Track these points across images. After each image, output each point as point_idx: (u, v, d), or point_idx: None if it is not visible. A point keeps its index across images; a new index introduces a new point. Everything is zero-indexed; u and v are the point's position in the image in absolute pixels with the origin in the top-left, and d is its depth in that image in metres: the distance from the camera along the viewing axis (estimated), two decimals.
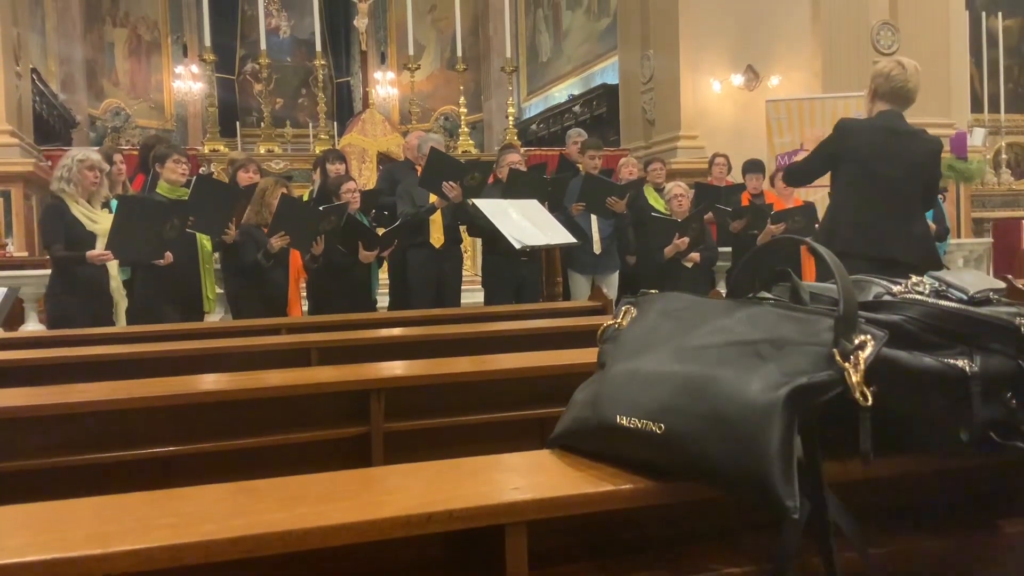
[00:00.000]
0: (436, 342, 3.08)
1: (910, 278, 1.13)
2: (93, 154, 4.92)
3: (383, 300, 6.58)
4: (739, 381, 1.01)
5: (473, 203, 5.06)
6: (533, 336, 3.17)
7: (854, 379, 0.96)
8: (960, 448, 1.05)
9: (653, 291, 1.26)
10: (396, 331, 3.36)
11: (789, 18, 10.11)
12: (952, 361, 1.03)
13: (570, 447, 1.18)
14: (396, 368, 2.25)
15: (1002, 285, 1.11)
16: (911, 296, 1.09)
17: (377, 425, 2.03)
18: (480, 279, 6.39)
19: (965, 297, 1.08)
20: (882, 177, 3.54)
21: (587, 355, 2.11)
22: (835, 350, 0.98)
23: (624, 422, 1.08)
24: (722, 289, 7.28)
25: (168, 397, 1.91)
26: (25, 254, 8.61)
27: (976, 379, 1.03)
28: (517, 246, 4.52)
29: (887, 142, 3.56)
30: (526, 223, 4.63)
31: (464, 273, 6.68)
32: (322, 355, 2.93)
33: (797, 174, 4.00)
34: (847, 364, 0.97)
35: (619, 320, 1.25)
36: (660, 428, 1.04)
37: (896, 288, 1.12)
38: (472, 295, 6.70)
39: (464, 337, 3.13)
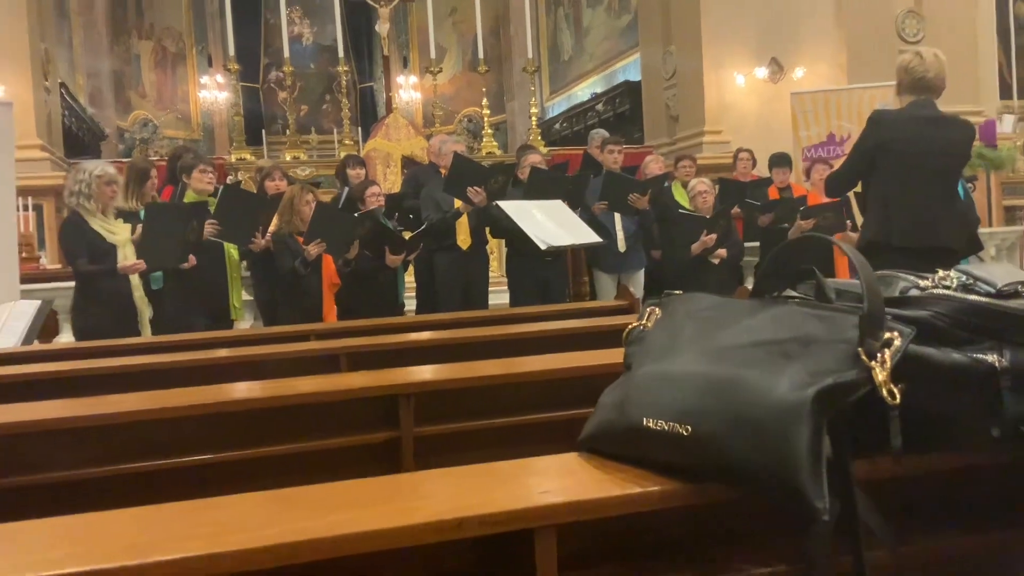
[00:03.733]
0: (464, 345, 3.09)
1: (937, 272, 1.12)
2: (109, 168, 4.98)
3: (410, 303, 6.61)
4: (766, 382, 1.01)
5: (497, 205, 5.07)
6: (560, 337, 3.17)
7: (880, 377, 0.96)
8: (991, 444, 1.04)
9: (678, 292, 1.26)
10: (424, 335, 3.38)
11: (813, 9, 10.03)
12: (981, 356, 1.03)
13: (598, 450, 1.18)
14: (425, 372, 2.27)
15: None
16: (938, 291, 1.09)
17: (407, 429, 2.05)
18: (506, 280, 6.40)
19: (993, 291, 1.07)
20: (923, 165, 3.55)
21: (615, 355, 2.11)
22: (860, 349, 0.98)
23: (651, 424, 1.08)
24: (750, 284, 7.25)
25: (201, 406, 1.93)
26: (58, 266, 8.73)
27: (1006, 374, 1.02)
28: (542, 247, 4.53)
29: (921, 130, 3.57)
30: (550, 223, 4.63)
31: (491, 274, 6.70)
32: (351, 361, 2.95)
33: (839, 182, 3.96)
34: (873, 363, 0.96)
35: (644, 322, 1.25)
36: (687, 430, 1.04)
37: (923, 283, 1.12)
38: (498, 296, 6.71)
39: (492, 339, 3.14)
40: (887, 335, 0.98)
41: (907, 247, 3.42)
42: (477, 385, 2.19)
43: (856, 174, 3.79)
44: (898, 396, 0.96)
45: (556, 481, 1.11)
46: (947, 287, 1.09)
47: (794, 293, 1.19)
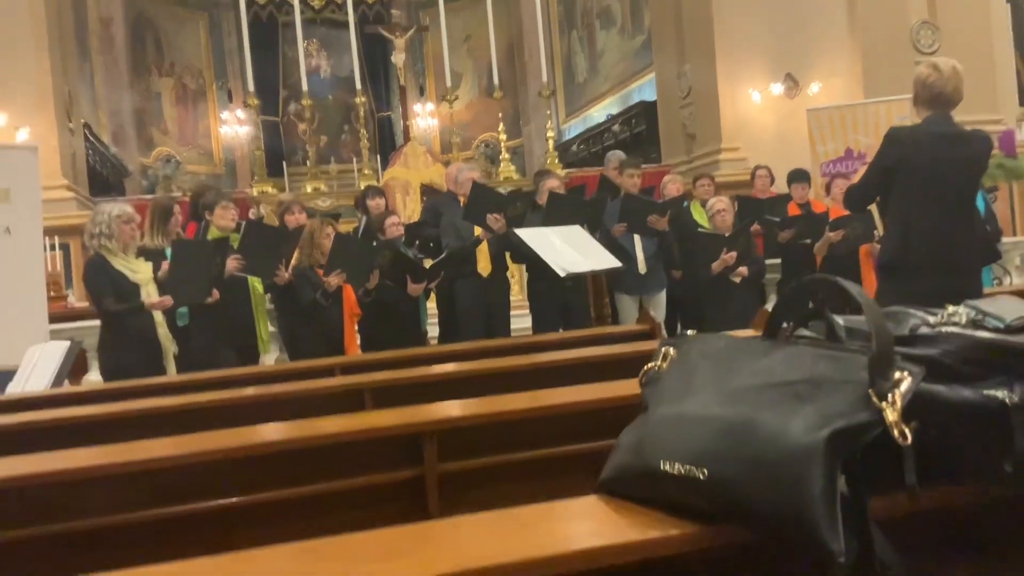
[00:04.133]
0: (487, 376, 3.12)
1: (946, 308, 1.13)
2: (127, 207, 5.08)
3: (433, 330, 6.65)
4: (780, 424, 1.02)
5: (516, 233, 5.11)
6: (583, 366, 3.19)
7: (892, 418, 0.97)
8: (1005, 479, 1.05)
9: (691, 332, 1.28)
10: (448, 367, 3.41)
11: (826, 23, 10.03)
12: (992, 392, 1.04)
13: (617, 492, 1.20)
14: (448, 409, 2.29)
15: None
16: (948, 328, 1.10)
17: (431, 467, 2.07)
18: (528, 304, 6.44)
19: (1002, 325, 1.09)
20: (940, 184, 3.53)
21: (637, 385, 2.14)
22: (871, 390, 0.99)
23: (668, 468, 1.10)
24: (773, 302, 7.23)
25: (229, 450, 1.97)
26: (86, 304, 8.86)
27: (1017, 410, 1.03)
28: (561, 274, 4.57)
29: (939, 148, 3.55)
30: (569, 249, 4.67)
31: (512, 298, 6.74)
32: (375, 396, 2.99)
33: (858, 197, 3.96)
34: (884, 404, 0.98)
35: (659, 362, 1.27)
36: (703, 473, 1.06)
37: (933, 319, 1.13)
38: (521, 320, 6.74)
39: (515, 370, 3.16)
40: (897, 375, 0.99)
41: (926, 266, 3.41)
42: (501, 420, 2.21)
43: (874, 189, 3.78)
44: (909, 436, 0.97)
45: (577, 526, 1.13)
46: (956, 323, 1.11)
47: (806, 332, 1.21)
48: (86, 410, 2.88)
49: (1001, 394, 1.04)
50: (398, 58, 10.60)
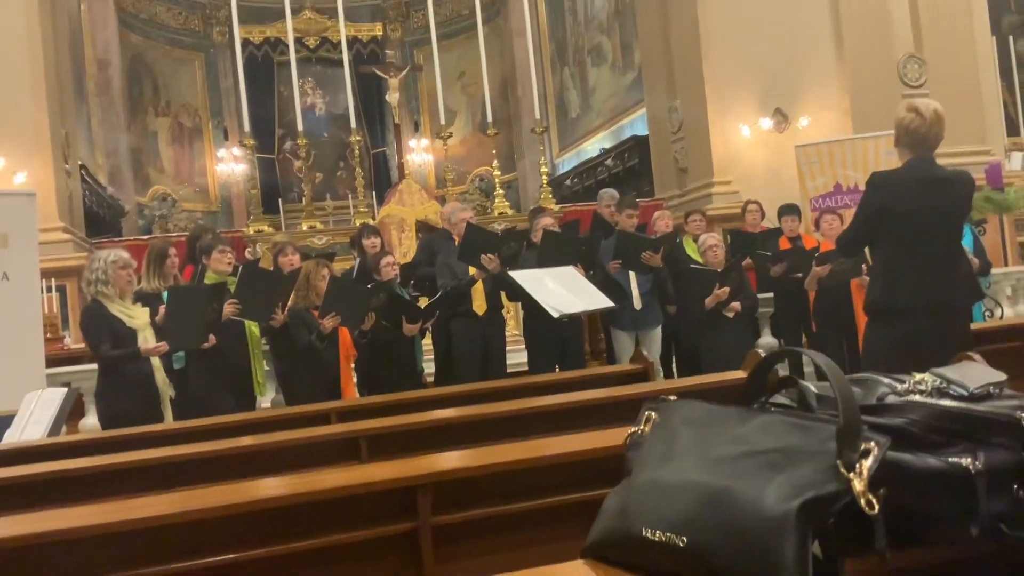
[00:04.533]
0: (482, 423, 3.16)
1: (913, 376, 1.18)
2: (123, 253, 5.12)
3: (429, 366, 6.67)
4: (755, 493, 1.06)
5: (510, 275, 5.16)
6: (578, 410, 3.23)
7: (859, 488, 1.01)
8: (972, 541, 1.09)
9: (672, 397, 1.33)
10: (443, 413, 3.45)
11: (814, 58, 10.17)
12: (956, 459, 1.08)
13: (603, 557, 1.23)
14: (442, 461, 2.33)
15: (1003, 377, 1.16)
16: (914, 396, 1.15)
17: (425, 520, 2.10)
18: (524, 340, 6.48)
19: (965, 393, 1.13)
20: (925, 228, 3.55)
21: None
22: (839, 461, 1.03)
23: (649, 535, 1.13)
24: (767, 336, 7.27)
25: (224, 508, 2.00)
26: (82, 346, 8.89)
27: (981, 476, 1.07)
28: (555, 315, 4.62)
29: (922, 193, 3.57)
30: (562, 290, 4.72)
31: (509, 334, 6.77)
32: (371, 444, 3.02)
33: (850, 244, 4.00)
34: (852, 474, 1.02)
35: (642, 427, 1.31)
36: (683, 541, 1.10)
37: (900, 387, 1.18)
38: (517, 355, 6.77)
39: (510, 415, 3.20)
40: (864, 446, 1.04)
41: (913, 309, 3.45)
42: (495, 471, 2.24)
43: (863, 236, 3.81)
44: (876, 505, 1.01)
45: None
46: (922, 391, 1.15)
47: (782, 400, 1.26)
48: (83, 462, 2.91)
49: (965, 461, 1.08)
50: (392, 97, 10.70)
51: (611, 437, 2.37)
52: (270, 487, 2.25)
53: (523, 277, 4.90)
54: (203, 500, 2.07)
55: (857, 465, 1.03)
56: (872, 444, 1.04)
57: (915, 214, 3.53)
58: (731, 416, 1.21)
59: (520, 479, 2.27)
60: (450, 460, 2.33)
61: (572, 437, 2.46)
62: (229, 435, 3.58)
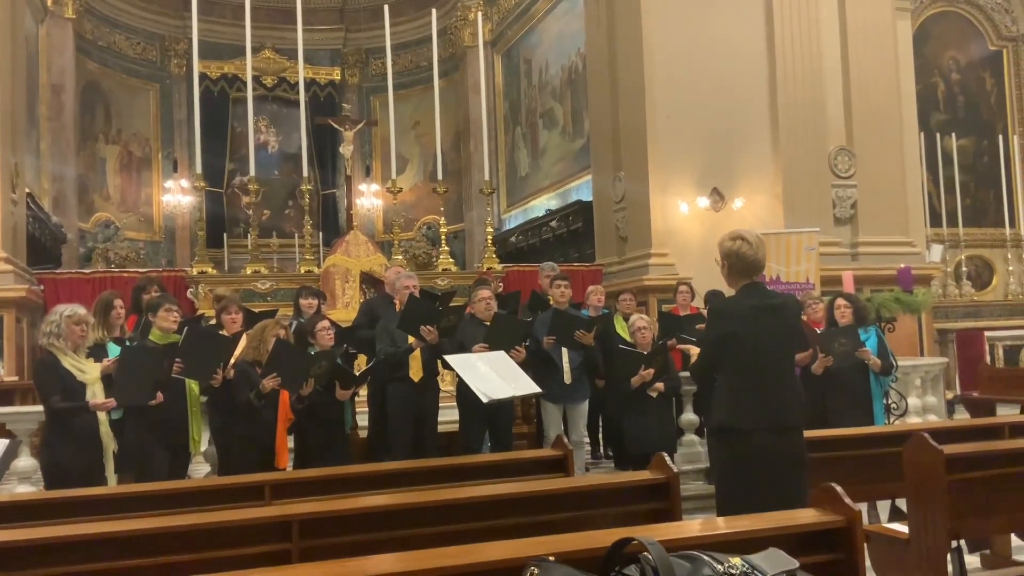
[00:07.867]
0: (410, 511, 3.38)
1: (728, 560, 1.48)
2: (79, 309, 5.26)
3: (362, 418, 6.76)
4: None
5: (445, 359, 5.40)
6: (503, 502, 3.48)
7: None
8: None
9: (551, 558, 1.60)
10: (374, 500, 3.66)
11: (752, 144, 10.67)
12: None
13: None
14: (373, 564, 2.51)
15: (795, 564, 1.48)
16: None
17: None
18: (456, 399, 6.68)
19: None
20: (762, 353, 3.80)
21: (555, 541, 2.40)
22: None
23: None
24: (689, 413, 7.59)
25: None
26: (16, 378, 8.87)
27: None
28: (484, 400, 4.86)
29: (758, 320, 3.79)
30: (493, 375, 4.98)
31: (444, 389, 6.96)
32: (303, 528, 3.21)
33: (699, 369, 4.22)
34: None
35: None
36: None
37: (719, 567, 1.47)
38: (451, 412, 6.97)
39: (438, 505, 3.43)
40: None
41: (755, 429, 3.71)
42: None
43: (711, 363, 4.01)
44: None
45: None
46: (733, 574, 1.45)
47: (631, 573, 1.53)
48: (18, 535, 3.04)
49: None
50: (347, 150, 10.90)
51: (534, 546, 2.58)
52: None
53: (457, 362, 5.15)
54: None
55: None
56: None
57: (753, 338, 3.77)
58: None
59: None
60: (381, 564, 2.52)
61: (504, 544, 2.63)
62: (164, 504, 3.75)
